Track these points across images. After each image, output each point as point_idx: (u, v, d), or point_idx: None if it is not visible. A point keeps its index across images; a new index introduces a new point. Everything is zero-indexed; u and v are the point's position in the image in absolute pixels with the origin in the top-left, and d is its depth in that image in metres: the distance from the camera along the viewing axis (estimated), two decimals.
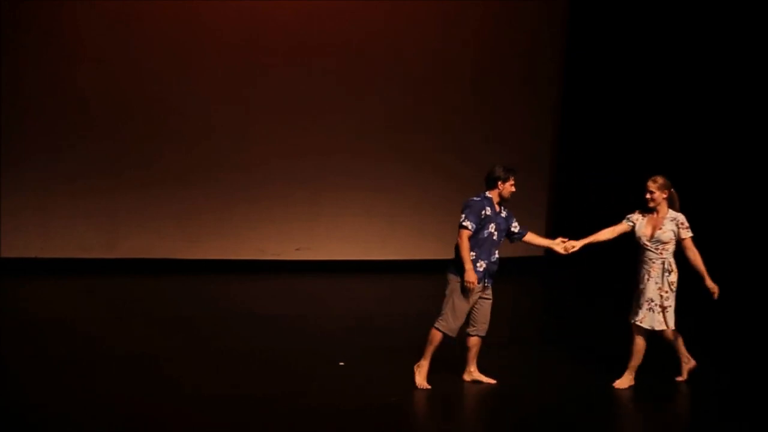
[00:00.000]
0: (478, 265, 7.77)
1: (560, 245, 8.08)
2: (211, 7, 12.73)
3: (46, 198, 12.57)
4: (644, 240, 7.91)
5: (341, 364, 8.50)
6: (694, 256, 7.88)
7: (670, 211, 7.93)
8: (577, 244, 8.05)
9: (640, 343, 7.92)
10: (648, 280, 7.88)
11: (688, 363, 8.24)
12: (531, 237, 8.14)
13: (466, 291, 7.74)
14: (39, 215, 12.55)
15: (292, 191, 13.17)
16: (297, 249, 13.26)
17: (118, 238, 12.82)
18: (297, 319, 10.41)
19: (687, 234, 7.88)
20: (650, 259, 7.89)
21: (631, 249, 12.84)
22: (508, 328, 9.80)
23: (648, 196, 7.93)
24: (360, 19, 13.13)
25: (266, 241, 13.19)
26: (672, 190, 7.97)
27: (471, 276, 7.70)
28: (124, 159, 12.73)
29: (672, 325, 7.90)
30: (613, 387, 7.98)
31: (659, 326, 7.87)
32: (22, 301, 11.01)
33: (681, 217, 7.90)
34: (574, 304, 12.05)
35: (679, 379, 8.23)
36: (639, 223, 7.97)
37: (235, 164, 12.99)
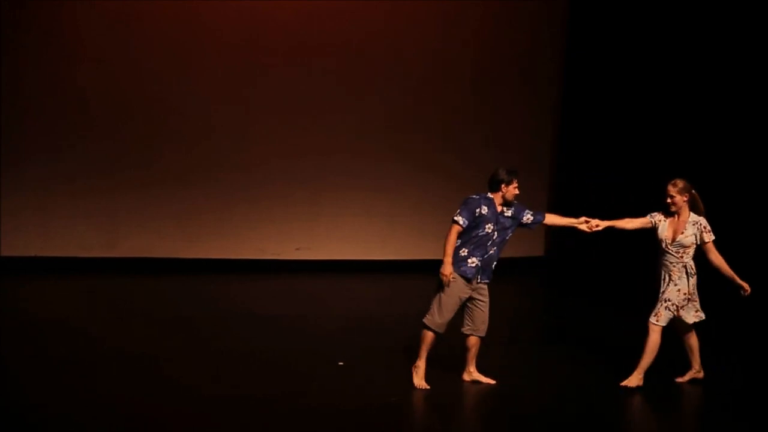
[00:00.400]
0: (469, 261, 7.77)
1: (584, 224, 8.07)
2: (211, 7, 12.73)
3: (46, 198, 12.57)
4: (666, 243, 7.89)
5: (341, 364, 8.51)
6: (717, 258, 7.90)
7: (692, 214, 7.91)
8: (601, 224, 8.04)
9: (654, 340, 7.87)
10: (669, 282, 7.88)
11: (698, 372, 8.22)
12: (552, 219, 8.17)
13: (451, 286, 7.74)
14: (39, 215, 12.55)
15: (292, 191, 13.17)
16: (297, 249, 13.27)
17: (118, 237, 12.82)
18: (297, 319, 10.42)
19: (709, 237, 7.87)
20: (671, 263, 7.89)
21: (632, 249, 12.85)
22: (508, 328, 9.80)
23: (668, 200, 7.89)
24: (360, 19, 13.13)
25: (266, 241, 13.19)
26: (693, 192, 7.94)
27: (446, 269, 7.71)
28: (124, 159, 12.73)
29: (692, 319, 7.91)
30: (615, 386, 7.96)
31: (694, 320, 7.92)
32: (22, 301, 11.01)
33: (703, 221, 7.90)
34: (574, 304, 12.05)
35: (679, 379, 8.22)
36: (661, 225, 7.94)
37: (235, 164, 12.99)
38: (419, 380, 7.88)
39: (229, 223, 13.07)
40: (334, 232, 13.37)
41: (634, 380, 7.95)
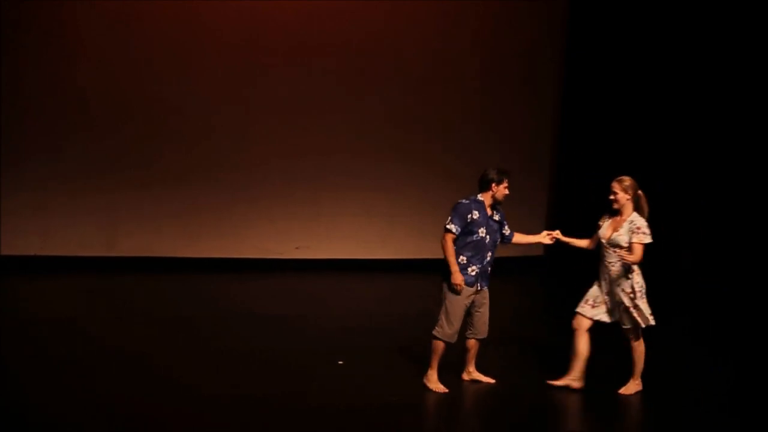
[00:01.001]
0: (469, 269, 7.77)
1: (546, 237, 8.06)
2: (211, 7, 12.73)
3: (47, 197, 12.57)
4: (603, 241, 7.80)
5: (340, 363, 8.51)
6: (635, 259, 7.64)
7: (634, 214, 7.74)
8: (561, 237, 8.03)
9: (636, 346, 7.84)
10: (610, 283, 7.78)
11: (574, 380, 7.98)
12: (518, 237, 8.15)
13: (457, 294, 7.74)
14: (39, 214, 12.55)
15: (292, 191, 13.18)
16: (297, 247, 13.27)
17: (118, 236, 12.82)
18: (297, 318, 10.42)
19: (637, 239, 7.61)
20: (609, 262, 7.78)
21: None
22: (508, 328, 9.80)
23: (611, 197, 7.79)
24: (360, 19, 13.13)
25: (266, 241, 13.20)
26: (640, 192, 7.79)
27: (457, 278, 7.71)
28: (124, 158, 12.74)
29: (648, 322, 7.74)
30: (615, 386, 7.97)
31: (645, 323, 7.75)
32: (22, 301, 11.01)
33: (639, 222, 7.67)
34: (574, 304, 12.01)
35: (553, 382, 8.06)
36: (604, 224, 7.86)
37: (235, 164, 13.00)
38: (435, 384, 7.89)
39: (229, 223, 13.08)
40: (334, 232, 13.38)
41: (632, 387, 7.91)
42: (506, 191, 7.83)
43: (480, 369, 8.09)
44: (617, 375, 8.11)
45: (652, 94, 13.00)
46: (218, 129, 12.94)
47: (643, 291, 7.76)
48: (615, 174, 12.97)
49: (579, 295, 12.47)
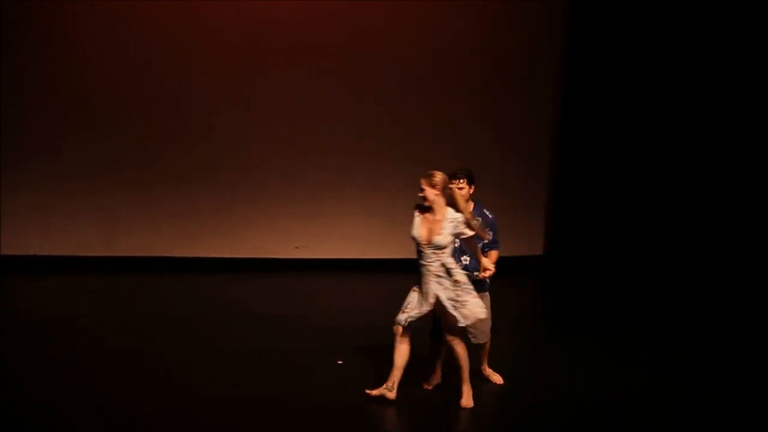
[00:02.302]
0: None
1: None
2: (211, 7, 12.73)
3: (47, 197, 12.57)
4: (420, 243, 7.45)
5: (340, 363, 8.52)
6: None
7: (450, 211, 7.38)
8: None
9: (458, 349, 7.50)
10: (429, 284, 7.43)
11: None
12: None
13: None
14: (39, 214, 12.55)
15: (291, 191, 13.18)
16: (296, 247, 13.27)
17: (118, 236, 12.83)
18: (296, 318, 10.42)
19: (469, 232, 7.34)
20: (429, 262, 7.42)
21: (632, 247, 12.83)
22: (507, 328, 9.80)
23: (420, 194, 7.42)
24: (360, 19, 13.13)
25: (265, 240, 13.20)
26: (451, 186, 7.46)
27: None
28: (124, 158, 12.74)
29: (465, 321, 7.39)
30: (615, 386, 7.96)
31: (464, 322, 7.37)
32: (22, 301, 11.02)
33: (461, 218, 7.34)
34: (573, 304, 12.05)
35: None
36: (414, 222, 7.52)
37: (235, 164, 13.00)
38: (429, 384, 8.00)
39: (229, 222, 13.08)
40: (334, 231, 13.37)
41: (468, 394, 7.58)
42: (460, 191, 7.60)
43: (478, 369, 8.12)
44: (617, 375, 8.10)
45: (652, 93, 13.00)
46: (218, 129, 12.94)
47: (468, 285, 7.39)
48: (615, 173, 13.13)
49: (578, 295, 12.56)
